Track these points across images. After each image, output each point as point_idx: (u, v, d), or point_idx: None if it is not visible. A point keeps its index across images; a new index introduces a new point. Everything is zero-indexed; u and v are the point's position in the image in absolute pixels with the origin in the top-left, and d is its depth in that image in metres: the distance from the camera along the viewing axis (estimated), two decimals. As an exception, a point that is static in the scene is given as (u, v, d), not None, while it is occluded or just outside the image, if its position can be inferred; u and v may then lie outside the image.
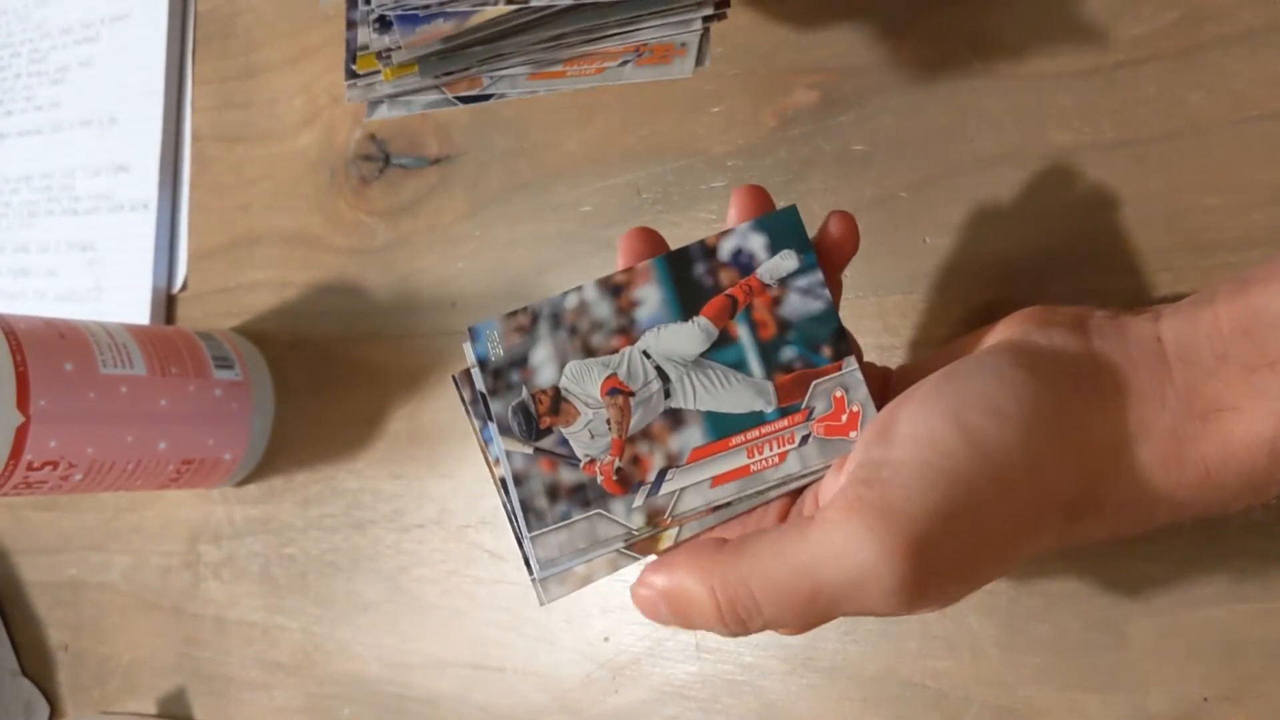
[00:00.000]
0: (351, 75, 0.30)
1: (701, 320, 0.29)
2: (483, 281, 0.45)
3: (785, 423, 0.29)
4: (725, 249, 0.29)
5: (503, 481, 0.29)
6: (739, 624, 0.25)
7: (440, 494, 0.45)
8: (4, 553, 0.57)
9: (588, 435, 0.29)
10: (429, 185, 0.46)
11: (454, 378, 0.31)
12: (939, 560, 0.23)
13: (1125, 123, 0.33)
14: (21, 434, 0.39)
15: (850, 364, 0.29)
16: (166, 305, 0.53)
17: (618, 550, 0.29)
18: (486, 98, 0.30)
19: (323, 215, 0.49)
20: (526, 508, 0.29)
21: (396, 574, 0.45)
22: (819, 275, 0.29)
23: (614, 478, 0.29)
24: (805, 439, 0.28)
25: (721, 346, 0.29)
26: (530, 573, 0.29)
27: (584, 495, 0.29)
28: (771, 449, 0.28)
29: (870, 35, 0.37)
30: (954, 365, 0.26)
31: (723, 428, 0.29)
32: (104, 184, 0.55)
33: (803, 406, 0.29)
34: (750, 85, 0.39)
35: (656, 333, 0.29)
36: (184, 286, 0.53)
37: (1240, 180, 0.32)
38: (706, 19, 0.29)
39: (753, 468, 0.29)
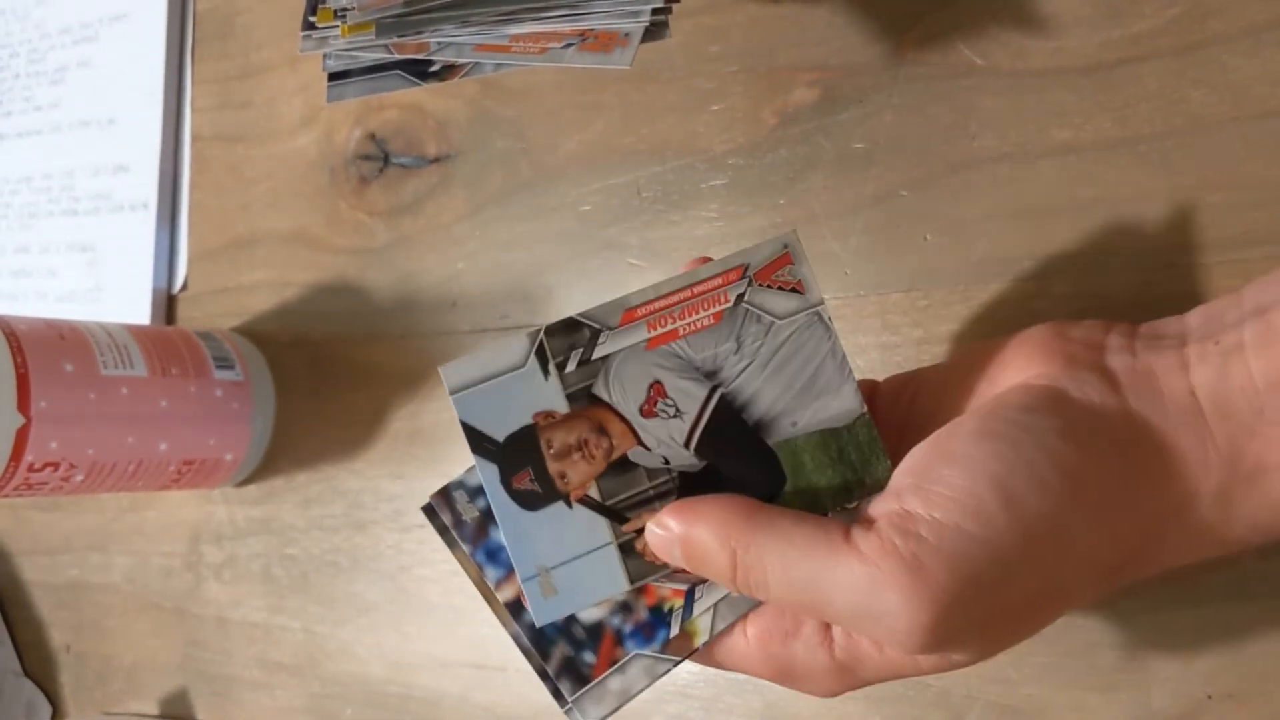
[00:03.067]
0: (309, 26, 0.30)
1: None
2: (483, 281, 0.45)
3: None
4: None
5: (509, 607, 0.27)
6: (747, 589, 0.26)
7: (441, 494, 0.45)
8: (5, 554, 0.57)
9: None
10: (429, 185, 0.46)
11: (425, 508, 0.29)
12: (960, 624, 0.24)
13: (1127, 120, 0.33)
14: (22, 435, 0.39)
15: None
16: (167, 306, 0.53)
17: (653, 656, 0.27)
18: (430, 64, 0.30)
19: (322, 215, 0.49)
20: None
21: (398, 574, 0.45)
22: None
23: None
24: None
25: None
26: (562, 704, 0.27)
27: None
28: None
29: (871, 32, 0.37)
30: (991, 421, 0.25)
31: None
32: (103, 184, 0.55)
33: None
34: (750, 83, 0.39)
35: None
36: (184, 287, 0.53)
37: (1242, 177, 0.32)
38: (656, 10, 0.28)
39: None
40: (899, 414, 0.31)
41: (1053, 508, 0.24)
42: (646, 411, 0.27)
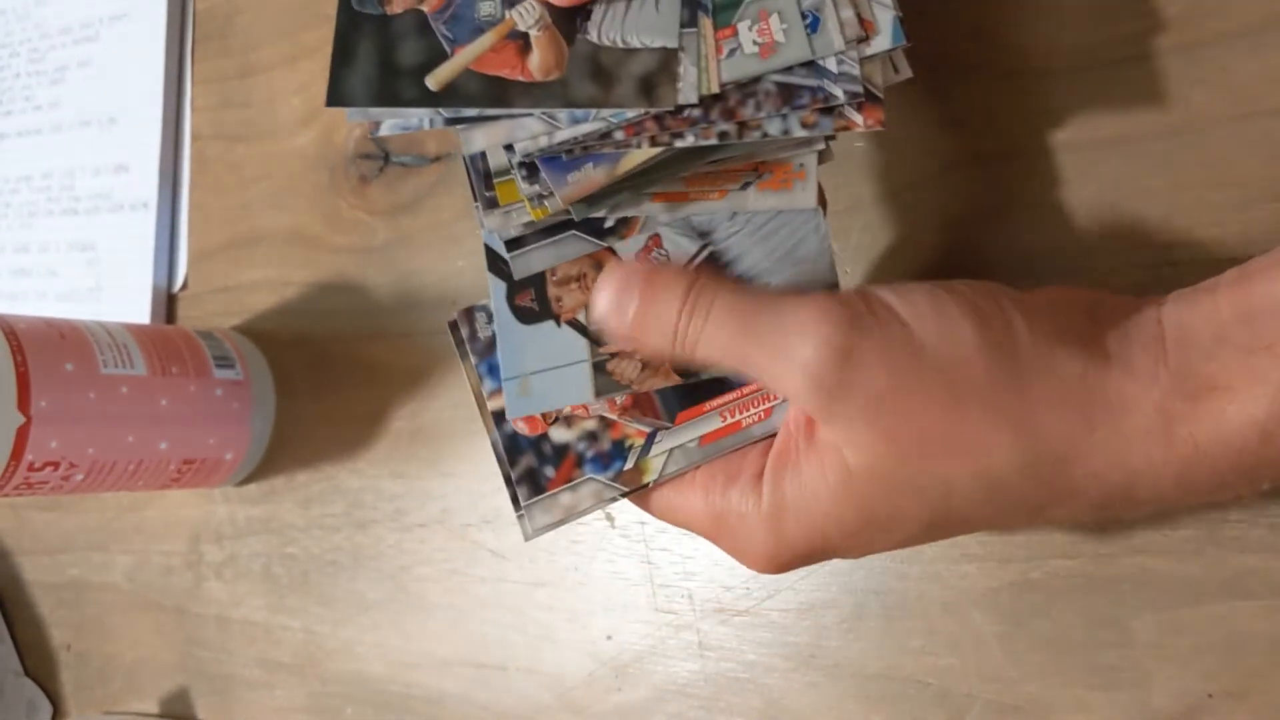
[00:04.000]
0: (489, 204, 0.30)
1: None
2: (483, 279, 0.44)
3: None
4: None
5: (494, 416, 0.31)
6: (687, 321, 0.27)
7: (442, 493, 0.45)
8: (6, 553, 0.57)
9: None
10: (429, 184, 0.46)
11: (450, 322, 0.32)
12: (858, 390, 0.25)
13: (1126, 119, 0.33)
14: (22, 435, 0.39)
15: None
16: (167, 305, 0.53)
17: (604, 482, 0.30)
18: (604, 220, 0.31)
19: (322, 214, 0.49)
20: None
21: (399, 573, 0.45)
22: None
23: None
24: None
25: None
26: (516, 509, 0.30)
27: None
28: (757, 405, 0.30)
29: (871, 32, 0.37)
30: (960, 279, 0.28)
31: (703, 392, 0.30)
32: (104, 184, 0.55)
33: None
34: (750, 82, 0.39)
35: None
36: (184, 286, 0.53)
37: (1241, 176, 0.32)
38: (829, 138, 0.29)
39: (743, 424, 0.30)
40: None
41: (977, 338, 0.25)
42: (641, 258, 0.30)
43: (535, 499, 0.30)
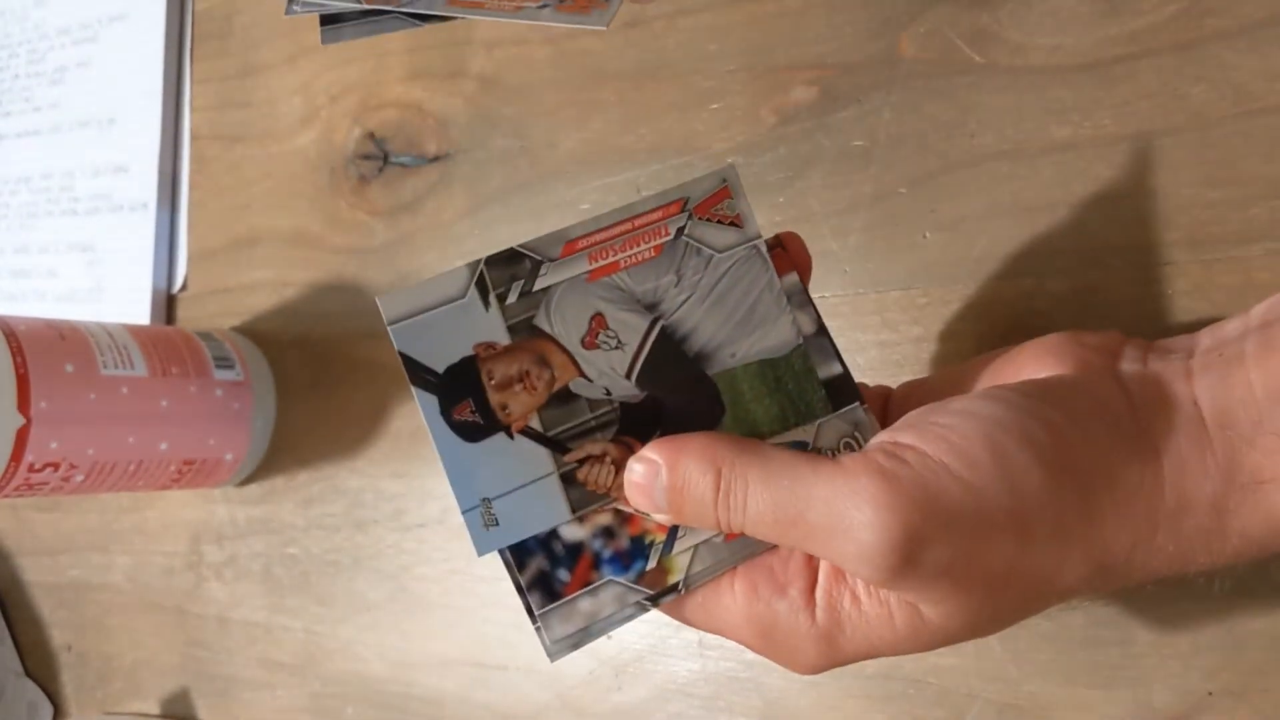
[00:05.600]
0: None
1: None
2: (483, 280, 0.45)
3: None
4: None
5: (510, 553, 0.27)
6: (726, 514, 0.25)
7: (442, 493, 0.45)
8: (6, 554, 0.57)
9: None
10: (428, 184, 0.46)
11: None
12: (930, 559, 0.23)
13: (1126, 117, 0.33)
14: (23, 436, 0.39)
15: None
16: (167, 305, 0.53)
17: (626, 584, 0.27)
18: (405, 13, 0.28)
19: (322, 214, 0.49)
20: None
21: (399, 573, 0.45)
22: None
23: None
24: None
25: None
26: (532, 620, 0.27)
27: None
28: None
29: (869, 31, 0.37)
30: (995, 391, 0.26)
31: None
32: (103, 184, 0.55)
33: (809, 447, 0.27)
34: (749, 82, 0.39)
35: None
36: (184, 287, 0.53)
37: (1241, 174, 0.32)
38: None
39: None
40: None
41: (1040, 473, 0.24)
42: (588, 343, 0.27)
43: (551, 606, 0.26)
